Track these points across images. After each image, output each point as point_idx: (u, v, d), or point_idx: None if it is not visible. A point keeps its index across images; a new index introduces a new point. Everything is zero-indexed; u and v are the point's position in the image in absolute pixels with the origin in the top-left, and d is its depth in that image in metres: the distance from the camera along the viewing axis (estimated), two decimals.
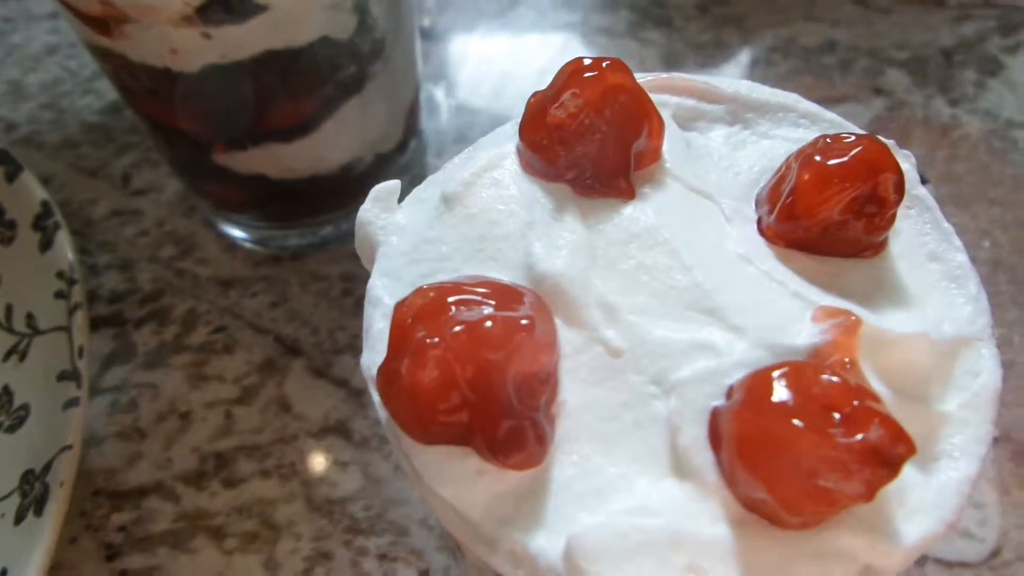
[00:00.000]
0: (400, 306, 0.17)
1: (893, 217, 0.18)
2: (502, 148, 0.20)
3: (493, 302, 0.16)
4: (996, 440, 0.38)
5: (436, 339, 0.15)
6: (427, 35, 0.57)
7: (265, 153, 0.38)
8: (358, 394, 0.40)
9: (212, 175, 0.40)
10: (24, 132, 0.53)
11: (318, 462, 0.38)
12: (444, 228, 0.19)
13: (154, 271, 0.46)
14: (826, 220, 0.18)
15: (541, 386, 0.16)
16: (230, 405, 0.40)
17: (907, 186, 0.20)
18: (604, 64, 0.19)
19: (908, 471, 0.16)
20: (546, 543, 0.15)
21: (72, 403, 0.34)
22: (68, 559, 0.36)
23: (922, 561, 0.35)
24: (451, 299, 0.16)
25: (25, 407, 0.36)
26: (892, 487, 0.15)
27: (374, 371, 0.17)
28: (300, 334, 0.43)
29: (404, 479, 0.38)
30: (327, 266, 0.45)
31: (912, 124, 0.50)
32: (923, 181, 0.23)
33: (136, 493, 0.38)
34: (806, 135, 0.21)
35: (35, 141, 0.53)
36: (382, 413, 0.17)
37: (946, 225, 0.20)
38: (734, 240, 0.19)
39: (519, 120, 0.21)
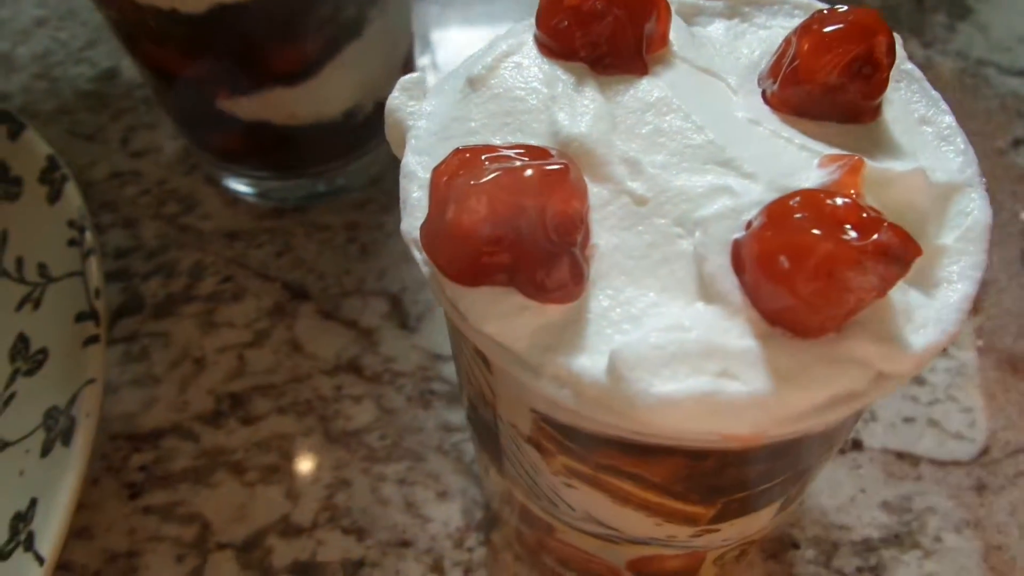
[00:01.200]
0: (437, 168, 0.18)
1: (886, 80, 0.20)
2: (519, 37, 0.22)
3: (526, 157, 0.18)
4: (980, 351, 0.40)
5: (480, 182, 0.17)
6: None
7: (269, 98, 0.39)
8: (368, 333, 0.41)
9: (216, 123, 0.41)
10: (18, 102, 0.53)
11: (332, 397, 0.39)
12: (471, 108, 0.20)
13: (158, 227, 0.46)
14: (827, 82, 0.19)
15: (576, 227, 0.17)
16: (242, 349, 0.41)
17: (897, 61, 0.22)
18: None
19: (913, 295, 0.17)
20: (588, 362, 0.16)
21: (92, 340, 0.35)
22: (91, 500, 0.37)
23: (916, 462, 0.37)
24: (485, 156, 0.18)
25: (43, 351, 0.36)
26: (900, 307, 0.17)
27: (415, 233, 0.19)
28: (307, 280, 0.44)
29: (417, 408, 0.39)
30: (329, 216, 0.46)
31: None
32: None
33: (154, 435, 0.39)
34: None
35: (30, 110, 0.53)
36: (426, 270, 0.18)
37: (934, 93, 0.21)
38: (742, 107, 0.20)
39: (531, 20, 0.22)
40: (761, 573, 0.34)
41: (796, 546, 0.35)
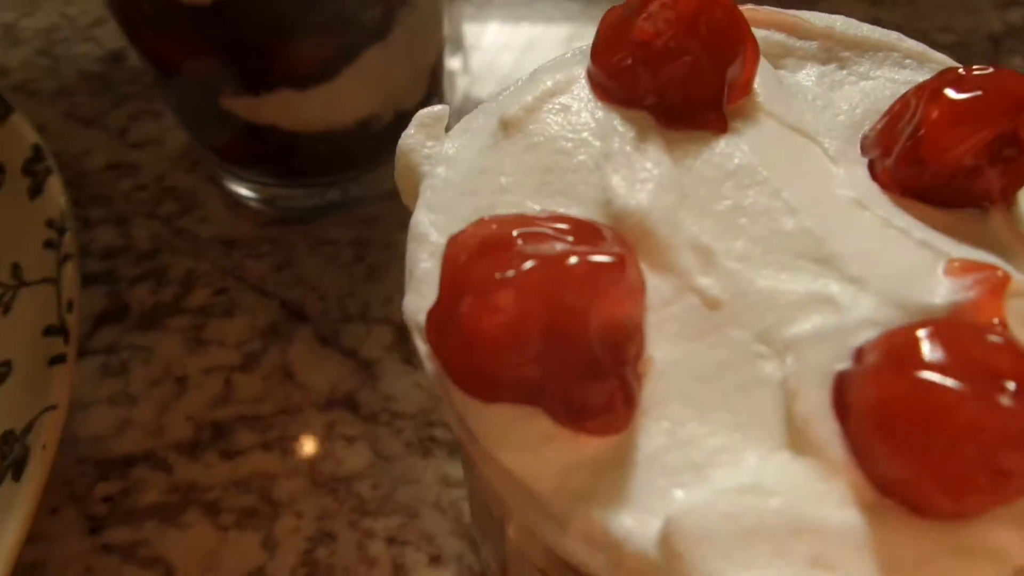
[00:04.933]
0: (455, 240, 0.14)
1: None
2: (569, 72, 0.18)
3: (571, 238, 0.13)
4: None
5: (507, 275, 0.13)
6: None
7: (278, 101, 0.35)
8: (367, 365, 0.38)
9: (219, 124, 0.37)
10: (16, 78, 0.50)
11: (323, 436, 0.36)
12: (503, 157, 0.16)
13: (152, 228, 0.43)
14: (956, 164, 0.15)
15: (629, 338, 0.13)
16: (230, 372, 0.38)
17: None
18: None
19: None
20: (634, 523, 0.12)
21: (58, 360, 0.31)
22: (48, 530, 0.33)
23: None
24: (518, 232, 0.14)
25: (7, 364, 0.33)
26: None
27: (420, 316, 0.15)
28: (307, 300, 0.40)
29: (416, 456, 0.35)
30: (336, 230, 0.42)
31: None
32: None
33: (125, 462, 0.35)
34: (914, 77, 0.19)
35: (28, 88, 0.49)
36: (429, 365, 0.14)
37: None
38: (843, 183, 0.16)
39: (583, 46, 0.18)
40: None
41: None
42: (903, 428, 0.12)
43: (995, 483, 0.11)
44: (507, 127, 0.17)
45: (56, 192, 0.36)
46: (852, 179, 0.16)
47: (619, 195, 0.15)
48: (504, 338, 0.13)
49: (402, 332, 0.39)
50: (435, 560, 0.33)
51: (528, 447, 0.13)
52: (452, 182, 0.17)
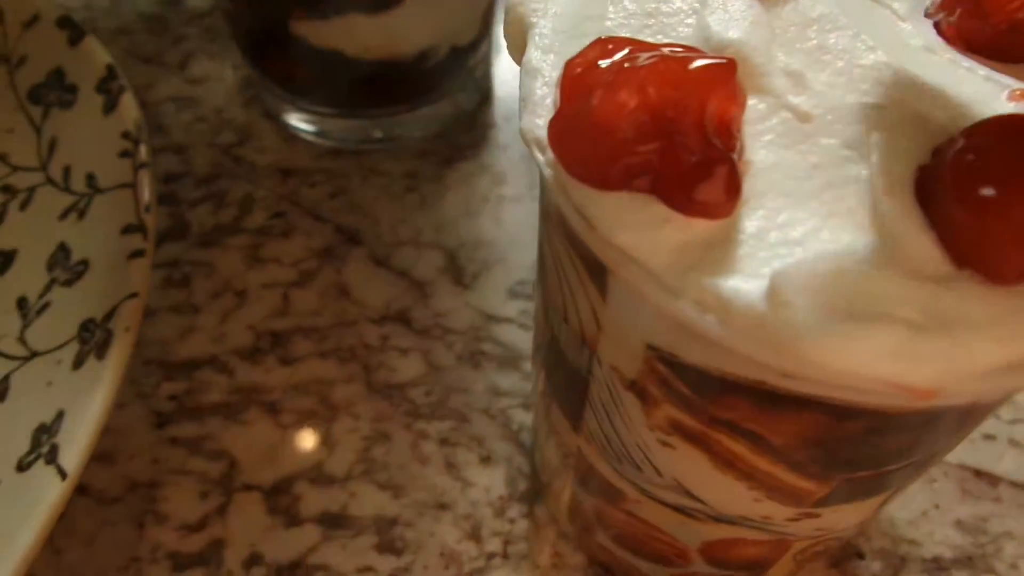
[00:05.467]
0: (572, 60, 0.16)
1: None
2: None
3: (681, 50, 0.15)
4: None
5: (634, 64, 0.14)
6: None
7: (344, 25, 0.37)
8: (420, 285, 0.39)
9: (285, 48, 0.39)
10: (78, 17, 0.52)
11: (378, 347, 0.37)
12: (606, 5, 0.18)
13: (211, 156, 0.45)
14: (1014, 17, 0.17)
15: (737, 133, 0.15)
16: (287, 287, 0.39)
17: None
18: None
19: None
20: (742, 284, 0.14)
21: (137, 254, 0.33)
22: (117, 424, 0.35)
23: (995, 482, 0.34)
24: (632, 48, 0.15)
25: (84, 262, 0.35)
26: None
27: (537, 131, 0.16)
28: (361, 225, 0.42)
29: (466, 368, 0.37)
30: (388, 163, 0.44)
31: None
32: None
33: (188, 365, 0.37)
34: None
35: (88, 26, 0.51)
36: (548, 172, 0.16)
37: None
38: (912, 35, 0.18)
39: None
40: None
41: (860, 556, 0.32)
42: (981, 196, 0.13)
43: None
44: None
45: (130, 107, 0.37)
46: (920, 33, 0.18)
47: (717, 31, 0.17)
48: (631, 125, 0.14)
49: (452, 257, 0.41)
50: (485, 460, 0.34)
51: (644, 228, 0.15)
52: (560, 29, 0.18)
